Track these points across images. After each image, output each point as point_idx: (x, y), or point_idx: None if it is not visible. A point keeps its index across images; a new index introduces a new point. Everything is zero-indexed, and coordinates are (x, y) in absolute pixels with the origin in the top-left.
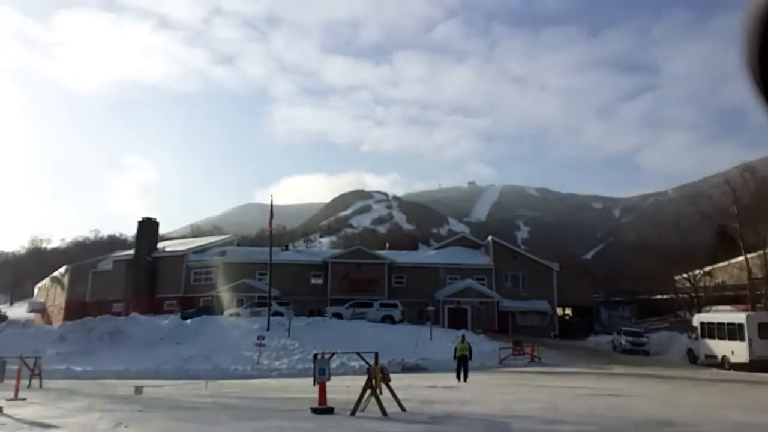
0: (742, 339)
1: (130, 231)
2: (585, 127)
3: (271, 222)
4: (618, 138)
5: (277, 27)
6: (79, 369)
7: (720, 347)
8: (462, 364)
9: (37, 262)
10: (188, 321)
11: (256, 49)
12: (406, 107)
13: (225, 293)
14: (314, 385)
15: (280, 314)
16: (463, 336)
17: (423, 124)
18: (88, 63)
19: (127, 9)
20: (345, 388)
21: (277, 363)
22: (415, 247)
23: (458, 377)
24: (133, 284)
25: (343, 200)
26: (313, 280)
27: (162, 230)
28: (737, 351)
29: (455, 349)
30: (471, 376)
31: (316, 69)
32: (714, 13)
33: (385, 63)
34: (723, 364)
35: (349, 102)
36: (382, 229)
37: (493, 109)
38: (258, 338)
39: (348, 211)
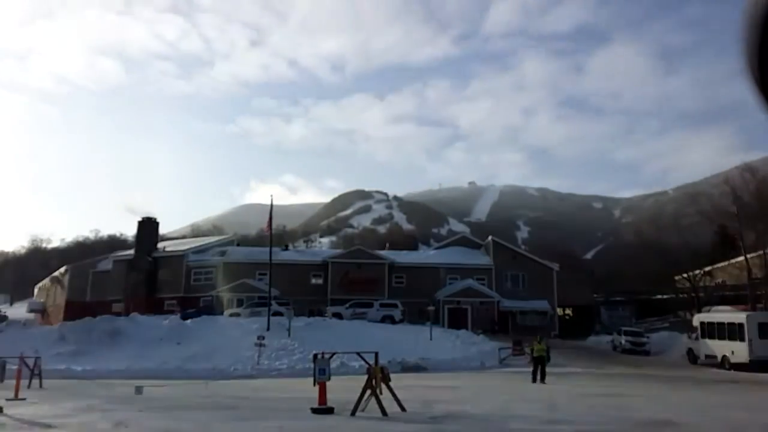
0: (742, 339)
1: (130, 231)
2: (427, 167)
3: (270, 222)
4: (460, 175)
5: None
6: (79, 369)
7: (720, 347)
8: None
9: (37, 262)
10: (188, 321)
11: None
12: (264, 152)
13: (225, 293)
14: (314, 385)
15: (280, 314)
16: None
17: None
18: None
19: (3, 86)
20: (345, 388)
21: (277, 363)
22: (415, 247)
23: None
24: (133, 284)
25: (343, 200)
26: (313, 280)
27: (162, 230)
28: (737, 351)
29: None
30: (471, 375)
31: (185, 130)
32: (467, 80)
33: (231, 123)
34: (723, 364)
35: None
36: (382, 229)
37: (334, 154)
38: (258, 338)
39: (348, 211)
